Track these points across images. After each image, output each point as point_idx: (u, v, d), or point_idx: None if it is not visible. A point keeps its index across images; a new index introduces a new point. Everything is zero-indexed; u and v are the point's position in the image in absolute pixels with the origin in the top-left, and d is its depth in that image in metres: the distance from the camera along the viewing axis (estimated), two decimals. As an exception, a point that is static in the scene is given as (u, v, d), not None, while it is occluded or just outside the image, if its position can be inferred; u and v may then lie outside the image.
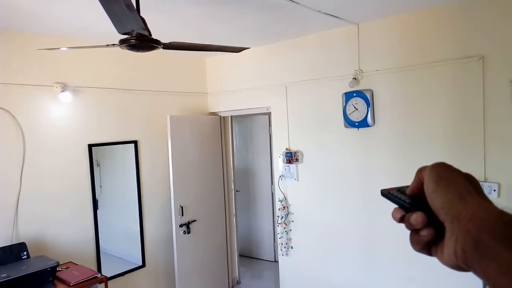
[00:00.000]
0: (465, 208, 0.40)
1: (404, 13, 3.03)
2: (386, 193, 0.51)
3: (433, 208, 0.43)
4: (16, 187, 3.01)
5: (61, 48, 2.11)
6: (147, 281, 3.95)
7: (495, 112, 2.68)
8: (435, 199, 0.43)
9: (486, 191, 2.68)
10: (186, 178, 4.03)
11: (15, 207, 2.99)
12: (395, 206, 0.49)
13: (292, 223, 3.90)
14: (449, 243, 0.41)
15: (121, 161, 4.09)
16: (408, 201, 0.47)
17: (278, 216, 3.97)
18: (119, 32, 1.86)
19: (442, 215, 0.42)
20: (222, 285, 4.50)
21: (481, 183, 2.71)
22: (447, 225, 0.41)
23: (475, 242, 0.38)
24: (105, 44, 2.08)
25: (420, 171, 0.48)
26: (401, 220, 0.47)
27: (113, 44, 2.05)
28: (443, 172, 0.45)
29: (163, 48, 2.14)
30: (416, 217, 0.45)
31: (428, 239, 0.45)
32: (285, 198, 3.92)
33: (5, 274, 2.55)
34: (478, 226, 0.38)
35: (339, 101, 3.43)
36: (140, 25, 1.79)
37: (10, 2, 2.39)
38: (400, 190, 0.50)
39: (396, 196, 0.49)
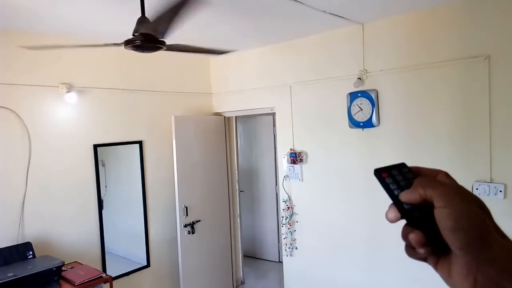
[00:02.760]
0: (485, 251, 0.39)
1: (409, 13, 3.01)
2: (380, 177, 0.46)
3: (448, 242, 0.41)
4: (22, 187, 3.03)
5: (64, 47, 2.12)
6: (151, 281, 3.96)
7: (501, 112, 2.66)
8: (453, 239, 0.40)
9: (492, 192, 2.67)
10: (191, 178, 4.03)
11: (20, 207, 3.02)
12: (388, 196, 0.46)
13: (296, 223, 3.89)
14: (464, 279, 0.41)
15: (126, 161, 4.10)
16: (407, 207, 0.43)
17: (283, 217, 3.96)
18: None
19: (458, 253, 0.40)
20: (226, 285, 4.50)
21: (486, 184, 2.70)
22: (462, 260, 0.40)
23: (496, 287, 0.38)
24: (111, 43, 2.09)
25: (423, 187, 0.42)
26: (395, 220, 0.45)
27: (118, 44, 2.06)
28: (463, 208, 0.40)
29: (167, 50, 2.14)
30: (416, 238, 0.42)
31: (425, 257, 0.44)
32: (290, 199, 3.92)
33: (11, 274, 2.57)
34: (499, 272, 0.38)
35: (343, 101, 3.42)
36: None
37: (13, 2, 2.40)
38: (396, 179, 0.45)
39: (392, 190, 0.45)
